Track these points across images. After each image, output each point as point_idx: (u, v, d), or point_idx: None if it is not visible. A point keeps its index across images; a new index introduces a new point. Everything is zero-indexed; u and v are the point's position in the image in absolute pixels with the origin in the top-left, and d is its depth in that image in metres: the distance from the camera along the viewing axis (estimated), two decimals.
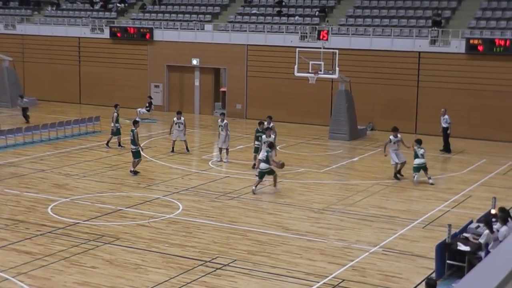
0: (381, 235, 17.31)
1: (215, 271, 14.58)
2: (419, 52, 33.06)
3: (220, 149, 26.00)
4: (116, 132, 27.73)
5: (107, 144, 27.80)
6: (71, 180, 22.57)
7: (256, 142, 24.69)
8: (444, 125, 28.35)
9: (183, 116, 27.43)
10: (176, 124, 27.13)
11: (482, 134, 31.71)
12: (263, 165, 21.29)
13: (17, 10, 45.34)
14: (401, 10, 35.91)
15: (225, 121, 26.02)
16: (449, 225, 14.74)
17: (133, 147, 23.48)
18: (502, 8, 34.08)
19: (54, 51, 41.70)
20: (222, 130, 25.76)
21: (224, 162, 25.67)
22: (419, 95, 33.21)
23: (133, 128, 23.60)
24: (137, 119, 25.95)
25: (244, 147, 28.29)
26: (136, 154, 23.46)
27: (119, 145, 27.79)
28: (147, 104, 35.46)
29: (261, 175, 21.37)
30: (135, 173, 23.36)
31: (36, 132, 29.19)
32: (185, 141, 27.22)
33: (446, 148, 28.48)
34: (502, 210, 15.04)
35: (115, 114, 27.76)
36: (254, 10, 39.12)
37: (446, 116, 28.26)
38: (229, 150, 26.14)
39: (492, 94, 31.68)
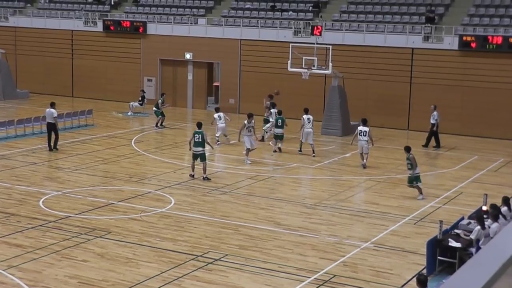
0: (373, 231, 17.35)
1: (206, 265, 14.58)
2: (412, 49, 33.09)
3: (248, 150, 24.83)
4: (160, 114, 31.32)
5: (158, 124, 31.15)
6: (63, 173, 22.52)
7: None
8: (432, 122, 28.36)
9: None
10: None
11: (474, 130, 31.78)
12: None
13: (10, 2, 45.13)
14: (395, 6, 35.93)
15: (253, 121, 25.13)
16: (441, 222, 14.80)
17: (201, 149, 21.92)
18: (496, 5, 34.13)
19: (47, 43, 41.55)
20: (250, 131, 24.80)
21: (248, 163, 24.69)
22: (412, 91, 33.24)
23: (202, 130, 22.13)
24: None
25: (236, 142, 28.18)
26: (202, 157, 22.05)
27: (161, 125, 31.33)
28: (140, 98, 35.36)
29: None
30: (207, 179, 21.90)
31: (28, 125, 29.06)
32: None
33: (436, 144, 28.50)
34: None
35: (160, 100, 31.76)
36: (248, 5, 39.06)
37: (435, 113, 28.29)
38: (221, 144, 25.94)
39: (485, 91, 31.74)
